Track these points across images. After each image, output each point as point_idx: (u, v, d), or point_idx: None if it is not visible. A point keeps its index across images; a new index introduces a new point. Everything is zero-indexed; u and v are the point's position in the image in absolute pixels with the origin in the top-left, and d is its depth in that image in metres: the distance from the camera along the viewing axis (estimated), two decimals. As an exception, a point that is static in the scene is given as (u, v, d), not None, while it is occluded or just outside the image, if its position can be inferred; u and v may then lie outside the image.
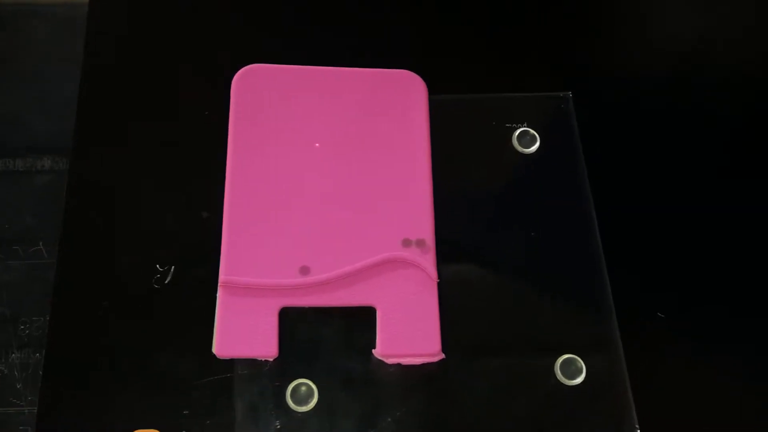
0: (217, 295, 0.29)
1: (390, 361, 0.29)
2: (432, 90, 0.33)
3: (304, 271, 0.29)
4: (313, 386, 0.29)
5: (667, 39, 0.38)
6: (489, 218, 0.32)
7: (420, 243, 0.30)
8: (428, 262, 0.30)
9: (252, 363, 0.29)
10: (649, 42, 0.38)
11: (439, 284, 0.30)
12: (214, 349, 0.28)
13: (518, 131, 0.33)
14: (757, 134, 0.36)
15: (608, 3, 0.39)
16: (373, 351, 0.29)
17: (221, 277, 0.29)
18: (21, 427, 0.29)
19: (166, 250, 0.31)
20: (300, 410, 0.28)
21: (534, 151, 0.33)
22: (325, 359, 0.29)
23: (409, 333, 0.29)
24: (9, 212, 0.33)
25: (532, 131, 0.33)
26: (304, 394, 0.28)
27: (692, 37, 0.39)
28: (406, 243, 0.30)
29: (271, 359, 0.29)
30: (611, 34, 0.38)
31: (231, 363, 0.29)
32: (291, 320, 0.29)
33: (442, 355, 0.29)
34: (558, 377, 0.29)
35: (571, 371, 0.29)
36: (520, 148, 0.33)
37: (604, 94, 0.36)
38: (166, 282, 0.30)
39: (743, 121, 0.36)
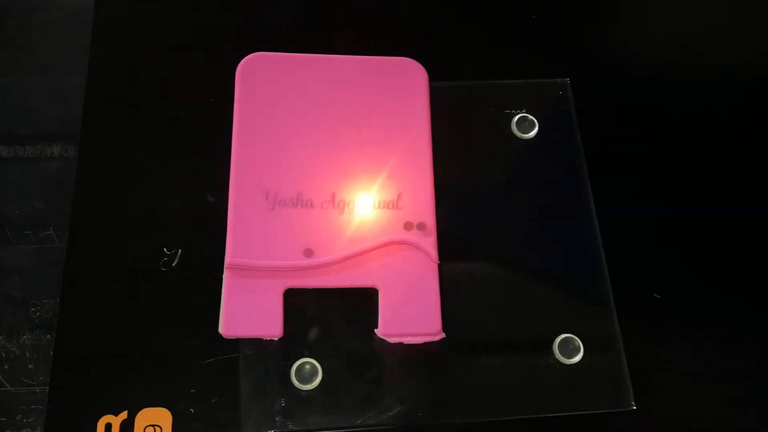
0: (223, 276, 0.30)
1: (392, 340, 0.30)
2: (433, 77, 0.34)
3: (308, 253, 0.30)
4: (318, 365, 0.29)
5: (666, 26, 0.39)
6: (489, 201, 0.33)
7: (421, 226, 0.31)
8: (429, 244, 0.31)
9: (257, 343, 0.29)
10: (647, 29, 0.39)
11: (439, 266, 0.30)
12: (221, 329, 0.29)
13: (517, 117, 0.34)
14: (757, 123, 0.36)
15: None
16: (376, 331, 0.30)
17: (227, 259, 0.30)
18: (32, 406, 0.30)
19: (173, 233, 0.31)
20: (304, 388, 0.29)
21: (533, 136, 0.34)
22: (329, 339, 0.30)
23: (411, 313, 0.30)
24: (20, 198, 0.33)
25: (530, 117, 0.34)
26: (308, 373, 0.29)
27: (692, 24, 0.39)
28: (408, 226, 0.31)
29: (276, 339, 0.29)
30: (609, 21, 0.39)
31: (237, 343, 0.29)
32: (295, 301, 0.30)
33: (443, 335, 0.30)
34: (556, 356, 0.30)
35: (569, 350, 0.30)
36: (519, 134, 0.34)
37: (601, 81, 0.36)
38: (174, 264, 0.31)
39: (742, 110, 0.37)
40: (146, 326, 0.30)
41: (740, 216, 0.34)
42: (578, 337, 0.30)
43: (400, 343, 0.30)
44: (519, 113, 0.34)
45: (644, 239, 0.33)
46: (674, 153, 0.35)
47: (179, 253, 0.31)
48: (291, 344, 0.29)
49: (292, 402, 0.29)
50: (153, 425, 0.28)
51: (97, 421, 0.28)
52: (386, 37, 0.36)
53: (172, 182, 0.32)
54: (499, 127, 0.34)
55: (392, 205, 0.31)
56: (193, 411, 0.29)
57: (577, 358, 0.30)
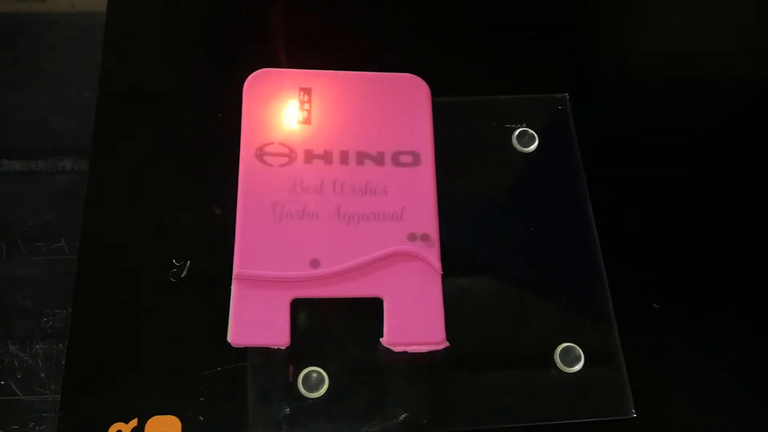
0: (232, 287, 0.30)
1: (397, 349, 0.30)
2: (435, 92, 0.34)
3: (315, 264, 0.31)
4: (324, 373, 0.30)
5: (666, 41, 0.40)
6: (490, 213, 0.33)
7: (425, 237, 0.32)
8: (433, 255, 0.31)
9: (265, 351, 0.30)
10: (646, 44, 0.39)
11: (442, 276, 0.31)
12: (229, 339, 0.30)
13: (517, 131, 0.35)
14: (758, 135, 0.37)
15: (606, 5, 0.41)
16: (381, 340, 0.30)
17: (235, 270, 0.30)
18: (44, 414, 0.30)
19: (182, 245, 0.32)
20: (311, 396, 0.29)
21: (533, 150, 0.35)
22: (335, 348, 0.30)
23: (415, 323, 0.30)
24: (32, 210, 0.34)
25: (530, 131, 0.35)
26: (314, 381, 0.30)
27: (691, 38, 0.40)
28: (412, 237, 0.32)
29: (283, 348, 0.30)
30: (608, 37, 0.40)
31: (245, 351, 0.30)
32: (302, 311, 0.30)
33: (447, 344, 0.30)
34: (557, 365, 0.31)
35: (570, 359, 0.31)
36: (519, 148, 0.35)
37: (600, 96, 0.37)
38: (183, 276, 0.31)
39: (741, 122, 0.37)
40: (156, 335, 0.30)
41: (740, 227, 0.35)
42: (579, 347, 0.31)
43: (405, 352, 0.30)
44: (519, 127, 0.35)
45: (643, 250, 0.34)
46: (674, 166, 0.36)
47: (188, 265, 0.32)
48: (298, 353, 0.30)
49: (299, 410, 0.29)
50: (162, 432, 0.29)
51: (108, 428, 0.29)
52: (390, 54, 0.37)
53: (180, 195, 0.33)
54: (500, 141, 0.35)
55: (396, 216, 0.32)
56: (201, 419, 0.29)
57: (578, 367, 0.30)
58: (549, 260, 0.33)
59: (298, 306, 0.30)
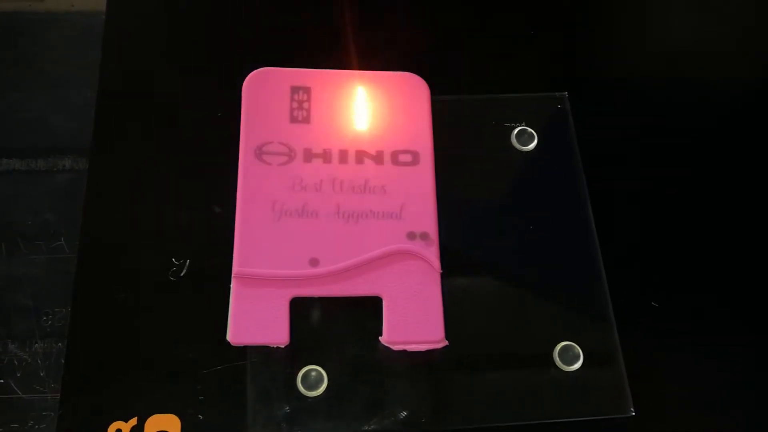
0: (231, 285, 0.30)
1: (396, 347, 0.30)
2: (435, 91, 0.34)
3: (314, 262, 0.31)
4: (323, 372, 0.30)
5: (663, 40, 0.40)
6: (489, 212, 0.33)
7: (424, 236, 0.32)
8: (432, 254, 0.31)
9: (264, 350, 0.30)
10: (645, 43, 0.39)
11: (442, 275, 0.31)
12: (228, 337, 0.30)
13: (517, 130, 0.35)
14: (759, 135, 0.37)
15: (606, 5, 0.41)
16: (380, 338, 0.30)
17: (235, 268, 0.30)
18: (44, 413, 0.30)
19: (182, 244, 0.32)
20: (310, 395, 0.29)
21: (532, 148, 0.35)
22: (334, 346, 0.30)
23: (414, 321, 0.30)
24: (32, 209, 0.34)
25: (530, 129, 0.35)
26: (314, 380, 0.30)
27: (691, 38, 0.40)
28: (411, 236, 0.32)
29: (283, 346, 0.30)
30: (607, 37, 0.40)
31: (244, 350, 0.30)
32: (301, 309, 0.30)
33: (446, 342, 0.30)
34: (556, 363, 0.31)
35: (569, 357, 0.31)
36: (518, 146, 0.35)
37: (599, 95, 0.37)
38: (182, 274, 0.31)
39: (741, 122, 0.37)
40: (155, 334, 0.30)
41: (740, 227, 0.35)
42: (578, 345, 0.31)
43: (404, 351, 0.30)
44: (519, 126, 0.35)
45: (642, 249, 0.34)
46: (673, 165, 0.36)
47: (187, 263, 0.32)
48: (297, 352, 0.30)
49: (298, 408, 0.29)
50: (162, 431, 0.29)
51: (108, 427, 0.29)
52: (390, 54, 0.37)
53: (180, 194, 0.33)
54: (500, 139, 0.35)
55: (395, 215, 0.32)
56: (201, 417, 0.29)
57: (577, 366, 0.30)
58: (548, 259, 0.33)
59: (297, 304, 0.30)
